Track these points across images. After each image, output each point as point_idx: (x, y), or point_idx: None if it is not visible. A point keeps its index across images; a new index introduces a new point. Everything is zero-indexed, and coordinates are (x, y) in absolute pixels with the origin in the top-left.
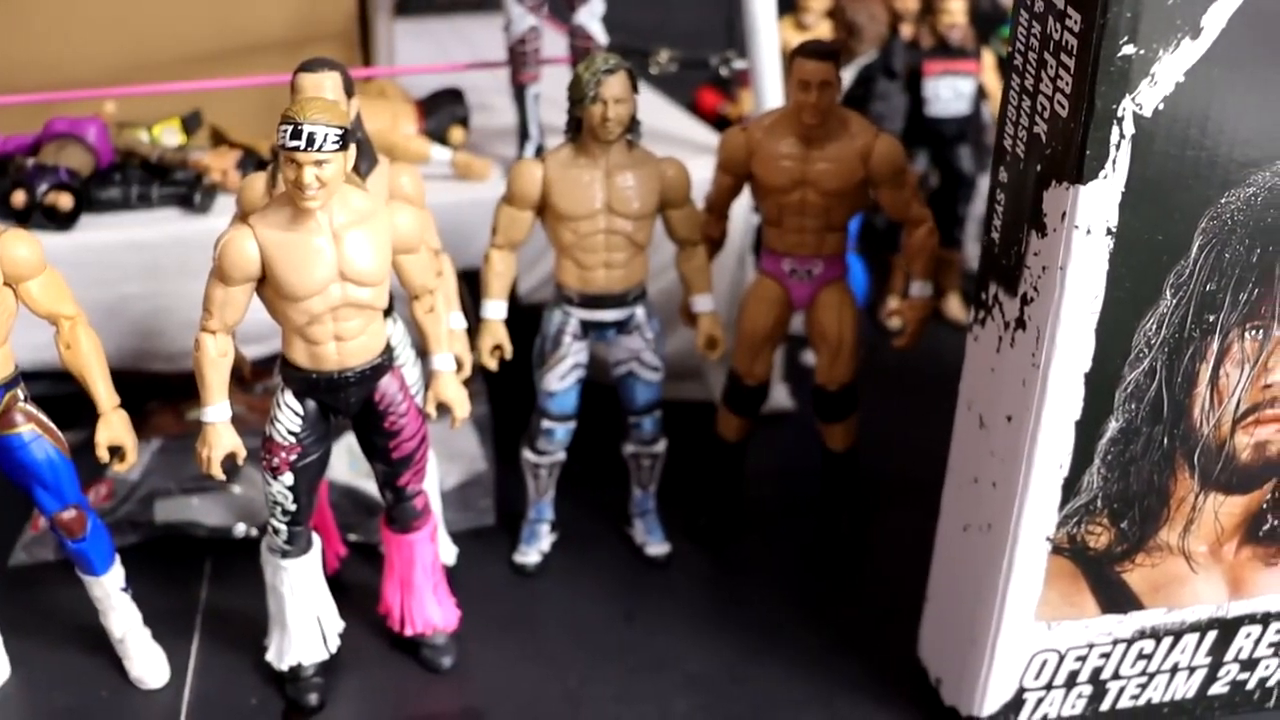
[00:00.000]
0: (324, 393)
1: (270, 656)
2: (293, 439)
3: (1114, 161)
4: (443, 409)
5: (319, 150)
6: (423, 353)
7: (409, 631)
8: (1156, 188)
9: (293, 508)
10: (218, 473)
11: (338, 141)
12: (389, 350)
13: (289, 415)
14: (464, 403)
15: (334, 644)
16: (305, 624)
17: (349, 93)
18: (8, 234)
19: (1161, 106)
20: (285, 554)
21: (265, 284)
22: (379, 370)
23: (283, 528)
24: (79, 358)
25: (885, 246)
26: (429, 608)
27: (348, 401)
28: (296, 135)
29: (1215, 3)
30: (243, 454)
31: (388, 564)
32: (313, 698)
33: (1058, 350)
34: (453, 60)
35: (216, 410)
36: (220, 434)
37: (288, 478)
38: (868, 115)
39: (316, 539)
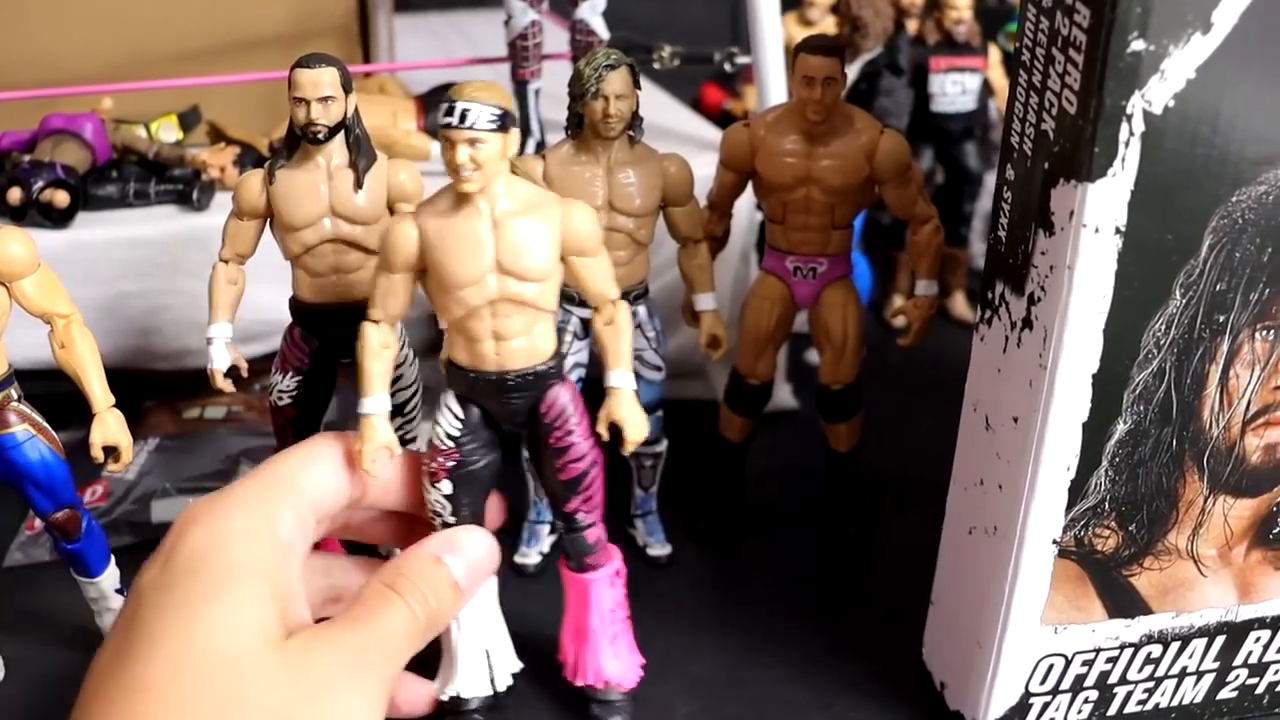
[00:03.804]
0: (485, 396)
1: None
2: (451, 444)
3: (1123, 159)
4: (614, 429)
5: (472, 127)
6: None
7: (579, 681)
8: (1166, 186)
9: (452, 520)
10: (374, 470)
11: (493, 120)
12: (559, 357)
13: (448, 418)
14: (640, 425)
15: (504, 682)
16: (471, 655)
17: (346, 89)
18: (1, 232)
19: (1172, 103)
20: None
21: (427, 275)
22: (544, 377)
23: None
24: (73, 357)
25: (890, 243)
26: (604, 658)
27: (510, 408)
28: (450, 111)
29: None
30: (398, 450)
31: (565, 604)
32: None
33: (1065, 351)
34: (451, 55)
35: (375, 402)
36: (376, 428)
37: (445, 485)
38: (872, 111)
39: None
